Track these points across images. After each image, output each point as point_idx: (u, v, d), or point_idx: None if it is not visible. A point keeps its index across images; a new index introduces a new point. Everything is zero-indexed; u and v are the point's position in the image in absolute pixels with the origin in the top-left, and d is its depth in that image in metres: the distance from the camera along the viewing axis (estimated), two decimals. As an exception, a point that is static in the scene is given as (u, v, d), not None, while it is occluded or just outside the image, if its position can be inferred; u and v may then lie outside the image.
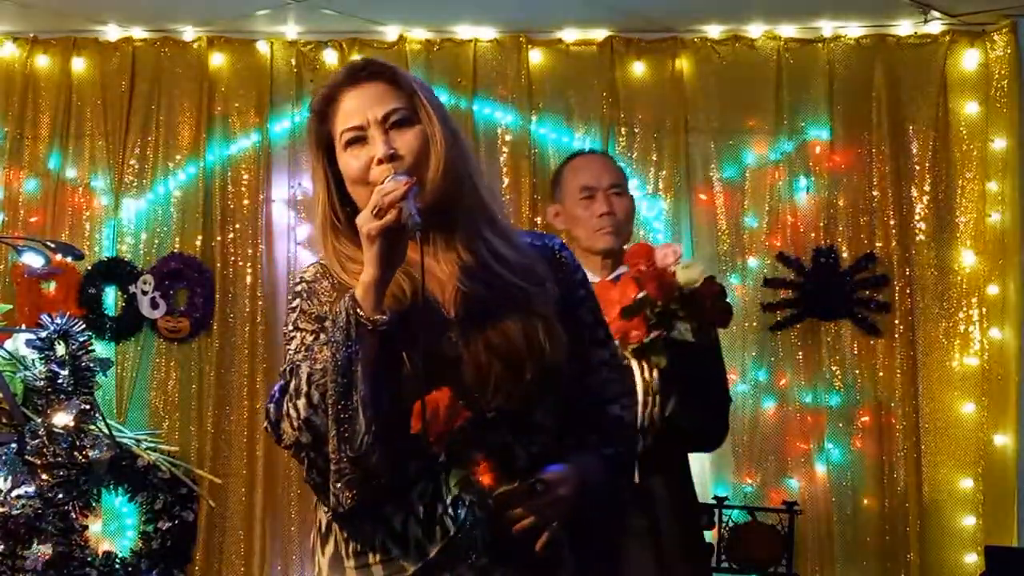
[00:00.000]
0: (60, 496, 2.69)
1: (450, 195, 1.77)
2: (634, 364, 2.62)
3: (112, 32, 4.71)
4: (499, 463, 1.73)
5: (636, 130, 4.63)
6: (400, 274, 1.73)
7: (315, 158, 1.85)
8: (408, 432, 1.69)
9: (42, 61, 4.71)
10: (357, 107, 1.79)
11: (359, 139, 1.78)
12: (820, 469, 4.44)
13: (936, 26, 4.51)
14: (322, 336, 1.72)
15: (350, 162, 1.78)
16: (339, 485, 1.69)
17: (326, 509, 1.78)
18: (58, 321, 2.91)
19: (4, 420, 2.91)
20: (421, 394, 1.69)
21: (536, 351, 1.74)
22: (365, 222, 1.66)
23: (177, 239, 4.68)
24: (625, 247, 2.94)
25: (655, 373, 2.65)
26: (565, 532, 1.75)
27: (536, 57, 4.67)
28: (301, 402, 1.70)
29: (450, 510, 1.71)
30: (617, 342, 2.53)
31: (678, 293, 2.68)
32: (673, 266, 2.72)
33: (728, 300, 2.86)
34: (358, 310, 1.66)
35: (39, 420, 2.76)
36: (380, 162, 1.74)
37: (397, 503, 1.74)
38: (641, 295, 2.65)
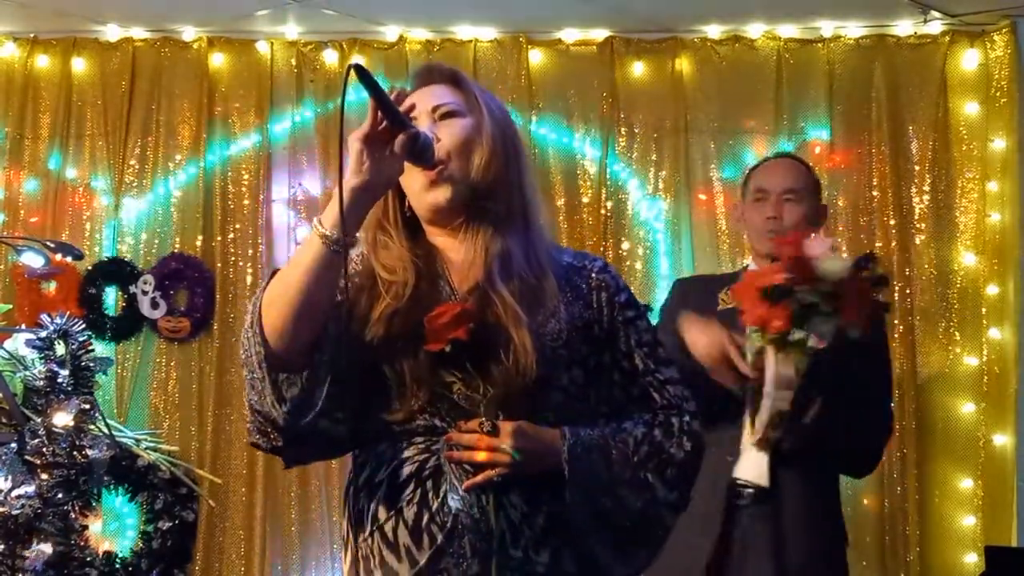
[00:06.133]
0: (60, 496, 2.68)
1: (488, 189, 1.82)
2: (770, 354, 2.47)
3: (112, 32, 4.71)
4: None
5: (636, 130, 4.62)
6: (412, 259, 1.79)
7: None
8: (383, 414, 1.75)
9: (42, 61, 4.72)
10: (416, 105, 1.83)
11: None
12: (820, 469, 4.44)
13: (936, 26, 4.51)
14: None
15: None
16: (249, 425, 1.78)
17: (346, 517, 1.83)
18: (58, 321, 2.90)
19: (4, 420, 2.91)
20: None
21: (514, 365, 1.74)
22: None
23: (177, 239, 4.68)
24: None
25: (792, 371, 2.47)
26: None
27: (536, 57, 4.67)
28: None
29: (437, 517, 1.72)
30: (757, 330, 2.47)
31: (821, 286, 2.48)
32: (821, 258, 2.50)
33: (881, 299, 2.62)
34: (319, 220, 1.68)
35: (39, 420, 2.75)
36: None
37: (388, 508, 1.75)
38: (787, 277, 2.47)
